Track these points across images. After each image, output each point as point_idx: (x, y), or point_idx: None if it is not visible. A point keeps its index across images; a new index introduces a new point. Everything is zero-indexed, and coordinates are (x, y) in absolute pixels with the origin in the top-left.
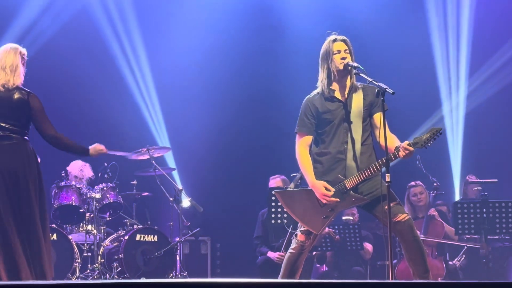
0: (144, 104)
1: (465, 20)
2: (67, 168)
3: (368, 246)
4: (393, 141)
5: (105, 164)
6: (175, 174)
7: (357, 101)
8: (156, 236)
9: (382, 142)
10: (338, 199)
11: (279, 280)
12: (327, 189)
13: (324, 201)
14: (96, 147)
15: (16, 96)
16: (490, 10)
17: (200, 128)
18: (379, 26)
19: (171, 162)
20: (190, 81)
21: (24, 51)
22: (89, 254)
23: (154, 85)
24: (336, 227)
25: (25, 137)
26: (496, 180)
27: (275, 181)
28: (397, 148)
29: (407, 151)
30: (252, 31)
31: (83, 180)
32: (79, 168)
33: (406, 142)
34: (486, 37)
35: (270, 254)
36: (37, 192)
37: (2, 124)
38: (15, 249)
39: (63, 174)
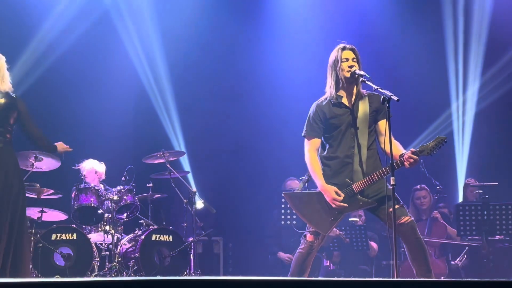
0: (162, 111)
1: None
2: (80, 168)
3: (374, 245)
4: (397, 148)
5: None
6: (190, 177)
7: (363, 108)
8: (171, 236)
9: (387, 148)
10: (346, 205)
11: (289, 278)
12: (337, 194)
13: (334, 206)
14: (62, 146)
15: (3, 101)
16: (504, 11)
17: (214, 134)
18: (390, 25)
19: (186, 165)
20: (206, 88)
21: (4, 58)
22: (107, 253)
23: (172, 93)
24: (343, 228)
25: (10, 139)
26: (497, 183)
27: (293, 182)
28: (402, 156)
29: (411, 160)
30: (266, 42)
31: (98, 179)
32: (91, 168)
33: (411, 150)
34: (497, 41)
35: (281, 255)
36: (22, 190)
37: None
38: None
39: (82, 177)
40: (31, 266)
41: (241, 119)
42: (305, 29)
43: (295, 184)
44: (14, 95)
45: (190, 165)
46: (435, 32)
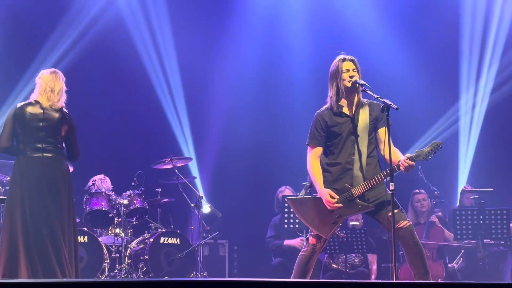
0: (173, 117)
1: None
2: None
3: (373, 260)
4: (396, 155)
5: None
6: (198, 181)
7: (364, 116)
8: (178, 239)
9: (386, 155)
10: (341, 205)
11: (292, 280)
12: (331, 196)
13: (329, 207)
14: None
15: (60, 116)
16: None
17: (222, 140)
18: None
19: (194, 170)
20: (217, 94)
21: (64, 79)
22: (117, 255)
23: (184, 101)
24: (344, 231)
25: (63, 150)
26: (493, 189)
27: (284, 192)
28: (399, 161)
29: (406, 164)
30: (271, 53)
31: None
32: (99, 181)
33: (407, 155)
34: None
35: (288, 242)
36: (70, 198)
37: (49, 139)
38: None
39: (93, 182)
40: None
41: (249, 126)
42: (314, 39)
43: (286, 193)
44: (67, 112)
45: (199, 170)
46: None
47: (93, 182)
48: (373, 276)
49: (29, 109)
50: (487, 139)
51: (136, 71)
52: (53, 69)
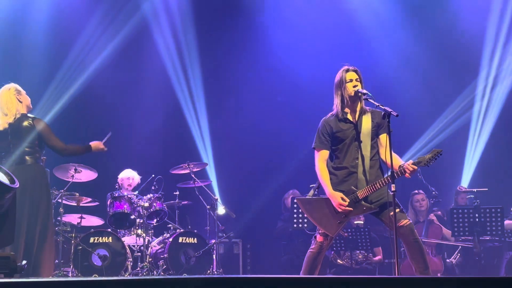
0: (194, 125)
1: None
2: (118, 176)
3: (378, 252)
4: (396, 160)
5: (153, 176)
6: (214, 184)
7: (366, 123)
8: (195, 239)
9: (387, 160)
10: (351, 209)
11: (301, 276)
12: (343, 199)
13: (340, 210)
14: (97, 146)
15: (25, 124)
16: None
17: (238, 146)
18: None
19: (212, 174)
20: (237, 100)
21: (15, 88)
22: (139, 254)
23: (205, 109)
24: (349, 230)
25: (40, 157)
26: (487, 189)
27: (289, 198)
28: (401, 167)
29: (410, 170)
30: (286, 62)
31: (132, 186)
32: (128, 174)
33: (410, 161)
34: None
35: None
36: (48, 202)
37: (21, 150)
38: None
39: (117, 186)
40: (71, 266)
41: (259, 138)
42: (330, 51)
43: (294, 195)
44: (31, 117)
45: (216, 174)
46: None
47: (120, 184)
48: (379, 257)
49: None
50: (496, 142)
51: (160, 80)
52: (2, 88)
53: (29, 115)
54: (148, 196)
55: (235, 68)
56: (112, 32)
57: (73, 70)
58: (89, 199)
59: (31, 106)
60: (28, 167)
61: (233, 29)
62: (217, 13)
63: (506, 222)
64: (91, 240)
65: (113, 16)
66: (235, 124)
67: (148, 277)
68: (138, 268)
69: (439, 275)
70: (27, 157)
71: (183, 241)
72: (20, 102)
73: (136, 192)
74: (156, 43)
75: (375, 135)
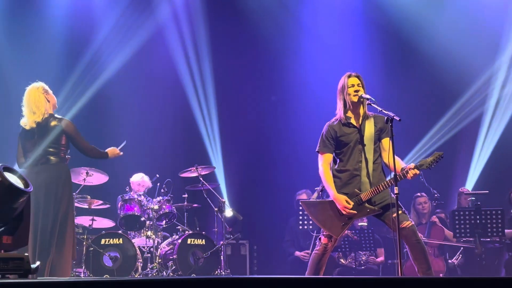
0: (205, 129)
1: None
2: (130, 179)
3: (381, 253)
4: (398, 163)
5: (157, 176)
6: (223, 187)
7: (369, 127)
8: (204, 240)
9: (390, 163)
10: (355, 212)
11: (306, 276)
12: (348, 202)
13: (344, 213)
14: (113, 152)
15: (52, 124)
16: None
17: (247, 150)
18: None
19: (221, 177)
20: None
21: (43, 87)
22: (149, 255)
23: (216, 114)
24: (353, 232)
25: (65, 157)
26: (487, 191)
27: (302, 196)
28: (403, 170)
29: (414, 173)
30: (306, 63)
31: (144, 189)
32: (140, 178)
33: (412, 165)
34: None
35: (297, 253)
36: (70, 199)
37: (47, 149)
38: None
39: (127, 189)
40: (83, 267)
41: (265, 142)
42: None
43: (303, 196)
44: (58, 117)
45: (225, 177)
46: None
47: (131, 187)
48: (381, 258)
49: (25, 128)
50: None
51: (173, 85)
52: (31, 87)
53: (56, 115)
54: (158, 198)
55: (246, 72)
56: (126, 35)
57: (87, 72)
58: (100, 202)
59: (57, 106)
60: (52, 167)
61: (246, 33)
62: (226, 15)
63: (507, 231)
64: (103, 241)
65: (126, 19)
66: (244, 127)
67: (158, 278)
68: (148, 269)
69: (441, 275)
70: (51, 157)
71: (192, 243)
72: (48, 101)
73: (144, 194)
74: (168, 46)
75: (377, 139)
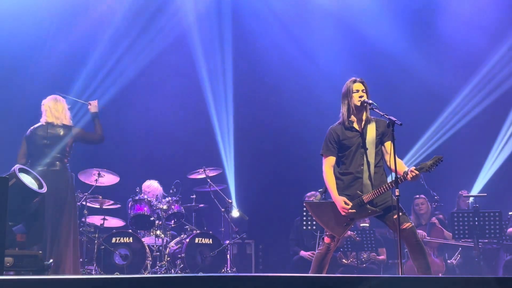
0: (219, 132)
1: None
2: (143, 184)
3: (382, 252)
4: (401, 166)
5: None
6: (232, 188)
7: (371, 131)
8: (211, 239)
9: (392, 166)
10: (354, 211)
11: (310, 275)
12: (346, 203)
13: (343, 213)
14: (93, 109)
15: (62, 132)
16: None
17: (256, 153)
18: None
19: (231, 179)
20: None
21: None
22: (158, 253)
23: (232, 117)
24: (355, 232)
25: (67, 163)
26: (486, 194)
27: (310, 198)
28: (405, 172)
29: (414, 174)
30: (315, 70)
31: (151, 195)
32: (150, 187)
33: (413, 167)
34: None
35: (303, 253)
36: (73, 203)
37: (55, 154)
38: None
39: (137, 190)
40: (95, 264)
41: (272, 146)
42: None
43: (313, 198)
44: (69, 126)
45: (235, 178)
46: None
47: (143, 191)
48: (383, 257)
49: (38, 131)
50: None
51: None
52: (53, 96)
53: (67, 124)
54: (167, 199)
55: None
56: (150, 38)
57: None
58: (111, 202)
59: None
60: (59, 172)
61: (262, 32)
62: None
63: (510, 230)
64: (113, 240)
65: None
66: (258, 131)
67: (166, 275)
68: (157, 267)
69: (440, 275)
70: (58, 162)
71: (199, 242)
72: (67, 115)
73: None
74: (184, 47)
75: (379, 143)
